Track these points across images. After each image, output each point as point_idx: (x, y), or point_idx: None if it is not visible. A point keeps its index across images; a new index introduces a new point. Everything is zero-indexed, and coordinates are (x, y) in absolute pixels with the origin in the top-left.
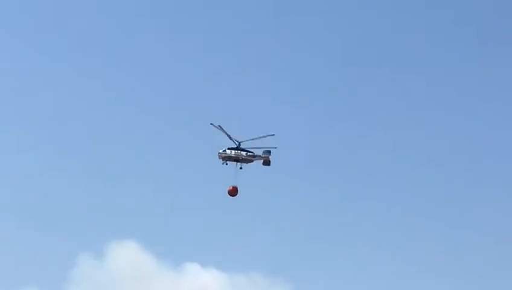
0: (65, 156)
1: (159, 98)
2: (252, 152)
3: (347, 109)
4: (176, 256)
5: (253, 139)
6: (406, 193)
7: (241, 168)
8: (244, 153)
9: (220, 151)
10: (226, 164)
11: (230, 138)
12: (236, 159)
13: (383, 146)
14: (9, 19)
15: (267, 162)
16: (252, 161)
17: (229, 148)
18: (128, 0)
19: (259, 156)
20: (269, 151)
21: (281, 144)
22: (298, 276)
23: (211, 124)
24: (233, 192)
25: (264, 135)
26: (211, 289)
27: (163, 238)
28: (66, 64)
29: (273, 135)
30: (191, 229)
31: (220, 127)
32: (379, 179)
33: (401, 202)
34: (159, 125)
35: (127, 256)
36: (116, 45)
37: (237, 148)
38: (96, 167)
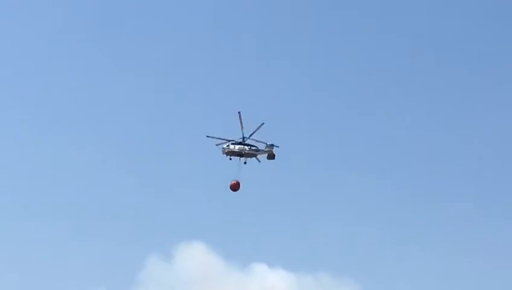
0: (133, 158)
1: (220, 102)
2: (255, 146)
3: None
4: (243, 257)
5: (251, 135)
6: (478, 190)
7: (245, 162)
8: (247, 147)
9: (224, 146)
10: (230, 158)
11: (242, 128)
12: (239, 154)
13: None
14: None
15: (271, 156)
16: (255, 156)
17: (232, 143)
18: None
19: (263, 150)
20: (272, 145)
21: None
22: (366, 276)
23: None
24: (235, 187)
25: (258, 126)
26: (278, 289)
27: (231, 239)
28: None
29: (263, 123)
30: (258, 230)
31: (239, 115)
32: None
33: (475, 201)
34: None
35: (195, 257)
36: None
37: (240, 143)
38: (164, 168)
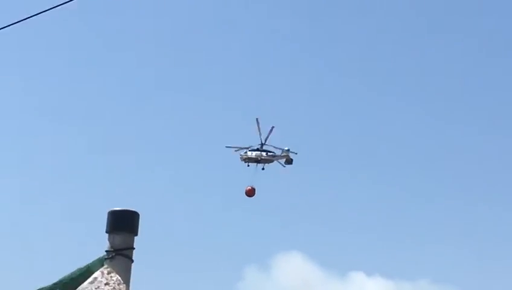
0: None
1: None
2: (272, 152)
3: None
4: (341, 265)
5: (266, 140)
6: None
7: (263, 168)
8: (264, 153)
9: (242, 153)
10: (248, 165)
11: (260, 135)
12: (256, 160)
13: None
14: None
15: (289, 161)
16: (272, 161)
17: (250, 150)
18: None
19: (279, 155)
20: (288, 150)
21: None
22: (469, 283)
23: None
24: (250, 193)
25: (269, 131)
26: None
27: (328, 248)
28: None
29: (273, 127)
30: (354, 237)
31: (257, 121)
32: None
33: None
34: None
35: (292, 267)
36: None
37: (258, 150)
38: None
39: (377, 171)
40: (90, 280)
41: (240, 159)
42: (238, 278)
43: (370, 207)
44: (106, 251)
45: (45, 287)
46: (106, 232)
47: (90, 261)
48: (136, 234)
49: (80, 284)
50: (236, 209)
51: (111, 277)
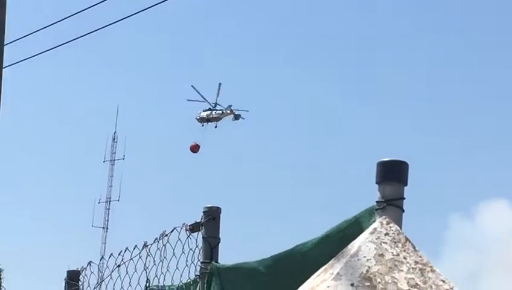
0: None
1: None
2: (220, 110)
3: None
4: None
5: (216, 98)
6: None
7: (216, 126)
8: (214, 112)
9: (197, 116)
10: (202, 125)
11: (217, 97)
12: (208, 120)
13: None
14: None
15: (236, 117)
16: (220, 119)
17: (203, 111)
18: None
19: (225, 113)
20: (230, 106)
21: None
22: None
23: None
24: (195, 149)
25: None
26: None
27: None
28: None
29: (220, 83)
30: None
31: (219, 86)
32: None
33: None
34: None
35: (498, 215)
36: None
37: (209, 109)
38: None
39: None
40: (369, 230)
41: (196, 121)
42: (444, 227)
43: None
44: (377, 202)
45: (313, 240)
46: (376, 183)
47: (358, 212)
48: (406, 184)
49: (347, 236)
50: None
51: (390, 227)
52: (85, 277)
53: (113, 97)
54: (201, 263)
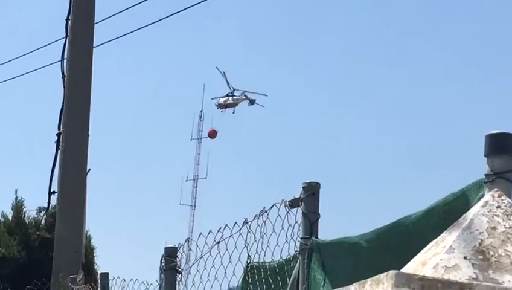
0: None
1: None
2: (235, 96)
3: None
4: None
5: (234, 89)
6: None
7: (233, 112)
8: (230, 98)
9: (216, 102)
10: (222, 111)
11: (228, 84)
12: (225, 106)
13: None
14: None
15: (251, 102)
16: (237, 104)
17: (221, 97)
18: None
19: (240, 98)
20: (244, 92)
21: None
22: None
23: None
24: (212, 134)
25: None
26: None
27: None
28: None
29: (224, 72)
30: None
31: (224, 74)
32: None
33: None
34: None
35: None
36: None
37: (227, 95)
38: None
39: None
40: (481, 203)
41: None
42: None
43: None
44: (485, 175)
45: (417, 213)
46: (485, 156)
47: (465, 185)
48: None
49: (453, 209)
50: None
51: (501, 199)
52: (182, 253)
53: (200, 76)
54: (301, 238)
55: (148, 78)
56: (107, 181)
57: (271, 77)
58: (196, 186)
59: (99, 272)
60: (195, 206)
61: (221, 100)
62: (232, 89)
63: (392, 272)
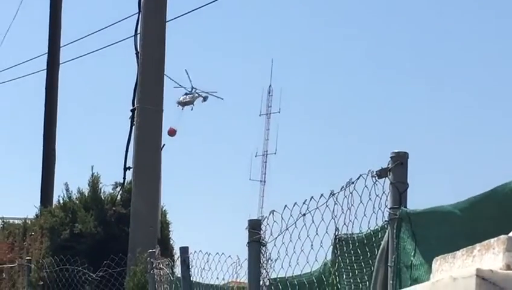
0: None
1: None
2: (191, 93)
3: None
4: None
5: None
6: None
7: (192, 109)
8: (187, 96)
9: (179, 99)
10: (182, 108)
11: (190, 82)
12: (184, 104)
13: None
14: None
15: (204, 99)
16: (193, 102)
17: (183, 95)
18: None
19: (196, 96)
20: (192, 88)
21: None
22: None
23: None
24: (171, 133)
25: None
26: None
27: None
28: None
29: (186, 70)
30: None
31: (186, 72)
32: None
33: None
34: None
35: None
36: None
37: (186, 94)
38: None
39: None
40: None
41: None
42: None
43: None
44: None
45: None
46: None
47: None
48: None
49: None
50: None
51: None
52: (267, 225)
53: (267, 51)
54: (390, 208)
55: (219, 54)
56: (180, 157)
57: None
58: (266, 162)
59: (174, 246)
60: (265, 181)
61: (181, 98)
62: (191, 88)
63: (503, 236)
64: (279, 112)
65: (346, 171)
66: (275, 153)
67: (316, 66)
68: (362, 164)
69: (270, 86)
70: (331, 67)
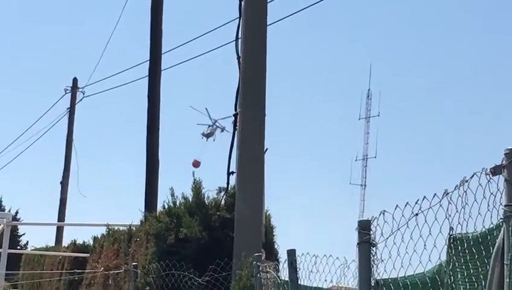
0: None
1: None
2: (212, 126)
3: None
4: None
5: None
6: None
7: (214, 140)
8: (209, 128)
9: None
10: (206, 140)
11: (210, 117)
12: (207, 135)
13: None
14: None
15: (221, 129)
16: (213, 134)
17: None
18: None
19: (215, 127)
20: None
21: None
22: None
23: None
24: (196, 165)
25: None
26: None
27: None
28: None
29: (206, 108)
30: None
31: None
32: None
33: None
34: None
35: None
36: None
37: (209, 126)
38: None
39: None
40: None
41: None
42: None
43: None
44: None
45: None
46: None
47: None
48: None
49: None
50: None
51: None
52: (377, 226)
53: (366, 54)
54: (505, 206)
55: (318, 58)
56: (282, 160)
57: None
58: (366, 166)
59: (278, 250)
60: (365, 185)
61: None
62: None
63: None
64: (378, 116)
65: (451, 171)
66: (375, 157)
67: (414, 68)
68: (464, 167)
69: (369, 89)
70: (430, 68)
